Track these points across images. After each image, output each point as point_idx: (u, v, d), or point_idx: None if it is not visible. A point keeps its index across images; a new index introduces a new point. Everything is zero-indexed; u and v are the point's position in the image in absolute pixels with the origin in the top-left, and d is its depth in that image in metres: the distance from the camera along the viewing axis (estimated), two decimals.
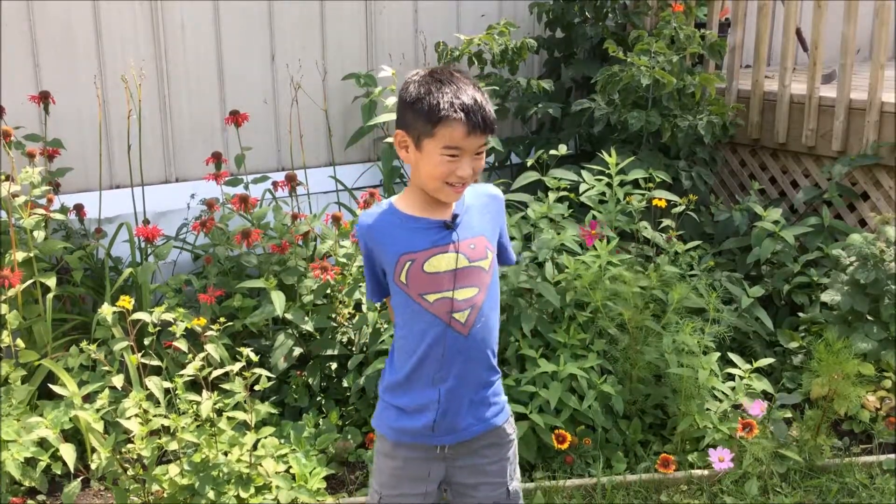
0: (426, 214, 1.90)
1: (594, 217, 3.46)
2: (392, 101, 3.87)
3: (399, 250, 1.89)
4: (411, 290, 1.89)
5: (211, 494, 2.62)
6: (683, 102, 4.23)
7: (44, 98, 3.59)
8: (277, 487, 2.75)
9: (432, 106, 1.78)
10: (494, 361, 1.98)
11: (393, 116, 3.88)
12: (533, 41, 4.31)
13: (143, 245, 3.59)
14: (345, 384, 3.25)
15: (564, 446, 2.91)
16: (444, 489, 2.02)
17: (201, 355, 2.84)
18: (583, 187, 3.56)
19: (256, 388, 2.79)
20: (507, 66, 4.29)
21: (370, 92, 4.24)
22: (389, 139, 4.06)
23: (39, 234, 3.22)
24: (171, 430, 2.73)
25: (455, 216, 1.90)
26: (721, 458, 2.84)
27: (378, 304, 3.26)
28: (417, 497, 1.99)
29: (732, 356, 3.27)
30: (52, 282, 3.17)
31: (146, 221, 3.68)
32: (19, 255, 3.15)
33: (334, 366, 3.36)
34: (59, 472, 2.91)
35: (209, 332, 2.94)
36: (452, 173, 1.82)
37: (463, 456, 1.97)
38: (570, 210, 3.50)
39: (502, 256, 2.04)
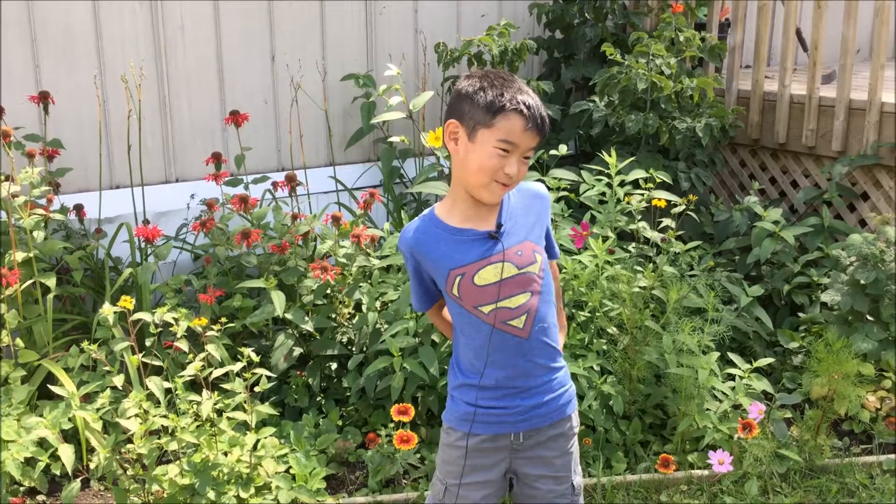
0: (470, 224, 1.91)
1: (592, 217, 3.46)
2: (396, 100, 3.88)
3: (448, 265, 1.91)
4: (465, 302, 1.92)
5: (211, 494, 2.62)
6: (682, 104, 4.23)
7: (43, 98, 3.59)
8: (277, 487, 2.75)
9: (495, 97, 1.81)
10: (558, 352, 2.02)
11: (394, 116, 3.92)
12: (532, 42, 4.31)
13: (143, 245, 3.59)
14: (345, 384, 3.25)
15: None
16: (510, 478, 2.04)
17: (202, 355, 2.85)
18: (583, 187, 3.56)
19: (257, 388, 2.80)
20: (507, 67, 4.28)
21: (369, 93, 4.24)
22: (391, 139, 4.06)
23: (39, 235, 3.22)
24: (171, 431, 2.73)
25: (499, 225, 1.91)
26: (721, 461, 2.83)
27: (378, 305, 3.26)
28: (484, 486, 2.01)
29: (732, 356, 3.26)
30: (51, 282, 3.17)
31: (146, 221, 3.68)
32: (19, 256, 3.15)
33: (334, 366, 3.36)
34: (58, 472, 2.91)
35: (209, 333, 2.94)
36: (501, 169, 1.83)
37: (530, 447, 1.99)
38: (570, 210, 3.50)
39: (548, 252, 2.05)
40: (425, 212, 2.00)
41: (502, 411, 1.96)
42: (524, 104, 1.82)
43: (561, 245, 3.29)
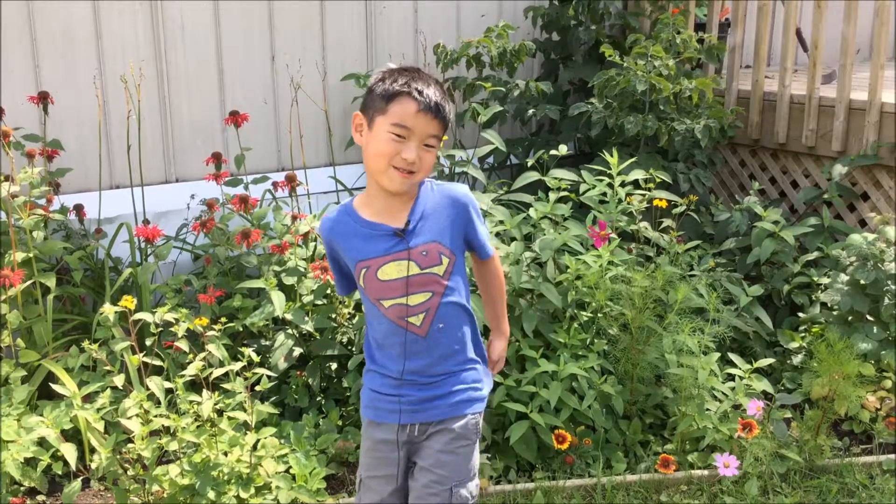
0: (382, 219, 1.95)
1: (595, 218, 3.45)
2: None
3: (356, 257, 1.96)
4: (369, 294, 1.97)
5: (211, 494, 2.62)
6: (681, 106, 4.23)
7: (42, 98, 3.59)
8: (277, 487, 2.75)
9: (389, 85, 1.86)
10: (467, 353, 2.03)
11: None
12: (531, 44, 4.31)
13: (142, 245, 3.58)
14: (345, 384, 3.25)
15: (564, 446, 2.91)
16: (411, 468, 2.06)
17: (202, 355, 2.85)
18: (583, 188, 3.56)
19: (257, 388, 2.80)
20: (506, 69, 4.28)
21: None
22: None
23: (39, 235, 3.22)
24: (172, 431, 2.73)
25: (408, 222, 1.93)
26: (727, 465, 2.83)
27: None
28: (388, 480, 2.04)
29: (732, 356, 3.27)
30: (51, 282, 3.17)
31: (146, 221, 3.68)
32: (19, 256, 3.15)
33: (334, 366, 3.36)
34: (59, 472, 2.91)
35: (210, 333, 2.94)
36: (398, 154, 1.85)
37: (423, 440, 2.02)
38: (570, 210, 3.50)
39: (478, 253, 2.08)
40: (345, 201, 2.05)
41: (396, 398, 1.99)
42: (416, 89, 1.85)
43: (566, 246, 3.29)
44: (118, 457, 2.77)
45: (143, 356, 2.90)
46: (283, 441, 2.97)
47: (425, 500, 2.00)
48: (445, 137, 2.83)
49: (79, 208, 3.66)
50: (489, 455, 2.97)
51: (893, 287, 3.32)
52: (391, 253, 1.92)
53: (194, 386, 2.90)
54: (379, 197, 1.95)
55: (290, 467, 2.88)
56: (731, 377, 3.22)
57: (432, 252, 1.93)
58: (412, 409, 1.99)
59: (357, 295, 3.28)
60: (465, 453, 2.03)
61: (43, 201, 3.39)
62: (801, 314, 3.68)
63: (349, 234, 1.97)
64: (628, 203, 3.54)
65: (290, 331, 3.30)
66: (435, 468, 2.00)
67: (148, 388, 2.83)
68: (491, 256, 2.12)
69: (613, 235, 3.37)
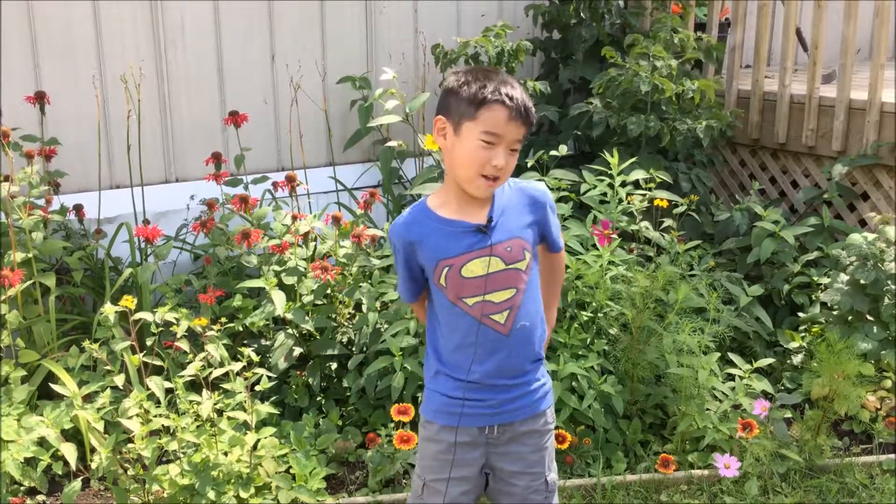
0: (461, 216, 1.92)
1: (595, 218, 3.45)
2: (392, 104, 3.88)
3: (437, 256, 1.92)
4: (450, 293, 1.93)
5: (211, 494, 2.62)
6: (682, 106, 4.23)
7: (39, 98, 3.59)
8: (277, 487, 2.75)
9: (478, 90, 1.84)
10: (539, 350, 2.02)
11: (390, 120, 3.92)
12: (528, 43, 4.31)
13: (142, 245, 3.58)
14: (345, 384, 3.25)
15: (564, 446, 2.91)
16: (486, 474, 2.05)
17: (202, 355, 2.85)
18: (584, 188, 3.56)
19: (257, 388, 2.80)
20: (504, 69, 4.28)
21: (366, 96, 4.24)
22: (390, 143, 4.06)
23: (38, 235, 3.22)
24: (172, 431, 2.73)
25: (490, 219, 1.91)
26: (727, 465, 2.83)
27: (378, 305, 3.26)
28: (461, 483, 2.01)
29: (732, 356, 3.27)
30: (51, 282, 3.17)
31: (146, 221, 3.68)
32: (18, 256, 3.15)
33: (334, 366, 3.36)
34: (59, 472, 2.91)
35: (210, 332, 2.94)
36: (488, 162, 1.84)
37: (505, 442, 2.00)
38: (571, 210, 3.49)
39: (551, 245, 2.07)
40: (416, 203, 2.01)
41: (478, 403, 1.97)
42: (507, 95, 1.83)
43: (567, 246, 3.29)
44: (118, 457, 2.77)
45: (144, 356, 2.90)
46: (283, 441, 2.97)
47: (529, 501, 2.02)
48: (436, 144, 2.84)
49: (78, 208, 3.66)
50: None
51: (893, 287, 3.32)
52: (475, 249, 1.90)
53: (194, 386, 2.90)
54: (457, 196, 1.93)
55: (290, 467, 2.88)
56: (731, 377, 3.22)
57: (516, 247, 1.92)
58: (494, 413, 1.97)
59: (357, 295, 3.30)
60: (549, 445, 2.06)
61: (42, 202, 3.39)
62: (801, 314, 3.68)
63: (429, 232, 1.94)
64: (629, 203, 3.54)
65: (290, 330, 3.30)
66: (530, 469, 2.02)
67: (148, 388, 2.83)
68: (562, 249, 2.12)
69: (614, 235, 3.37)
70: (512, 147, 1.87)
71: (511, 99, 1.83)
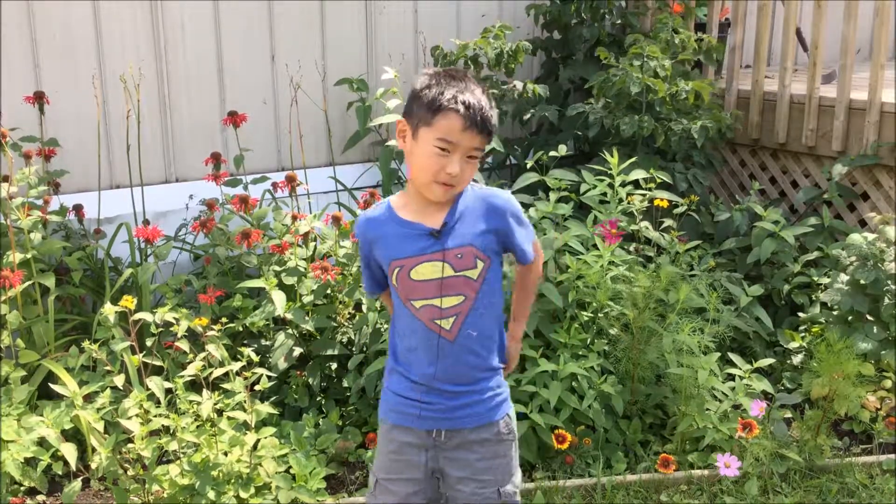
0: (419, 219, 1.93)
1: (595, 218, 3.45)
2: (394, 103, 3.88)
3: (391, 255, 1.94)
4: (401, 293, 1.95)
5: (211, 494, 2.62)
6: (678, 106, 4.23)
7: (38, 98, 3.59)
8: (277, 487, 2.75)
9: (436, 96, 1.83)
10: (492, 361, 2.00)
11: (391, 118, 3.91)
12: (528, 44, 4.31)
13: (142, 245, 3.58)
14: (345, 384, 3.25)
15: (564, 446, 2.91)
16: (437, 478, 2.04)
17: (202, 355, 2.85)
18: (584, 187, 3.56)
19: (257, 388, 2.79)
20: (503, 70, 4.28)
21: (364, 98, 4.23)
22: (389, 143, 4.06)
23: (36, 236, 3.22)
24: (172, 431, 2.73)
25: (445, 224, 1.91)
26: (728, 465, 2.82)
27: (378, 305, 3.26)
28: (410, 483, 2.02)
29: (732, 356, 3.27)
30: (50, 282, 3.17)
31: (146, 222, 3.68)
32: (17, 257, 3.15)
33: (334, 366, 3.36)
34: (59, 472, 2.91)
35: (210, 333, 2.94)
36: (442, 169, 1.84)
37: (453, 448, 1.99)
38: (571, 210, 3.49)
39: (518, 258, 2.04)
40: (383, 200, 2.02)
41: (426, 406, 1.97)
42: (463, 103, 1.81)
43: (567, 246, 3.29)
44: (118, 457, 2.77)
45: (143, 356, 2.90)
46: (283, 441, 2.97)
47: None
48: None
49: (78, 208, 3.66)
50: None
51: (893, 287, 3.32)
52: (426, 253, 1.91)
53: (194, 386, 2.90)
54: (418, 198, 1.94)
55: (290, 467, 2.88)
56: (731, 377, 3.22)
57: (467, 255, 1.91)
58: (442, 417, 1.97)
59: (357, 295, 3.30)
60: (505, 456, 2.03)
61: (41, 202, 3.38)
62: (801, 314, 3.68)
63: (386, 232, 1.95)
64: (629, 203, 3.54)
65: (290, 331, 3.30)
66: (477, 476, 1.99)
67: (148, 388, 2.83)
68: (531, 261, 2.07)
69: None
70: (470, 155, 1.86)
71: (468, 108, 1.81)
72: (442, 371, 1.95)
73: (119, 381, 2.84)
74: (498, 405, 2.01)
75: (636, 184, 3.65)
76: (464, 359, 1.95)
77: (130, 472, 2.77)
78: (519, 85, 4.27)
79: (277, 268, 3.40)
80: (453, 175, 1.84)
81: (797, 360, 3.54)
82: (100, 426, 2.81)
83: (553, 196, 3.44)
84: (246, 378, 2.79)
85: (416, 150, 1.87)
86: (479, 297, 1.93)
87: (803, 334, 3.61)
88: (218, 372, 2.82)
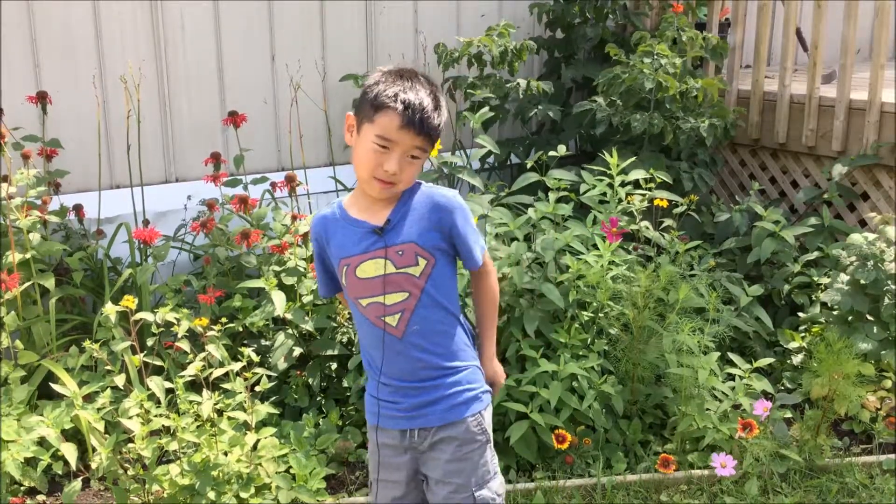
0: (365, 217, 1.95)
1: (595, 218, 3.45)
2: None
3: (339, 254, 1.96)
4: (349, 292, 1.97)
5: (211, 494, 2.62)
6: (685, 105, 4.23)
7: (41, 98, 3.59)
8: (277, 487, 2.75)
9: (379, 93, 1.85)
10: (454, 357, 1.99)
11: None
12: (532, 42, 4.31)
13: (142, 246, 3.58)
14: (345, 384, 3.25)
15: (564, 446, 2.91)
16: (422, 480, 2.05)
17: (202, 355, 2.85)
18: (583, 188, 3.56)
19: (258, 388, 2.80)
20: (507, 68, 4.29)
21: None
22: None
23: (35, 236, 3.21)
24: (172, 431, 2.73)
25: (388, 221, 1.92)
26: (724, 464, 2.83)
27: None
28: (396, 486, 2.04)
29: (732, 356, 3.27)
30: (50, 283, 3.17)
31: (146, 222, 3.68)
32: (17, 257, 3.15)
33: (334, 366, 3.36)
34: (59, 472, 2.91)
35: (210, 333, 2.94)
36: (380, 166, 1.85)
37: (428, 448, 2.00)
38: (571, 211, 3.49)
39: (464, 262, 2.02)
40: (336, 199, 2.04)
41: (391, 405, 1.99)
42: (403, 102, 1.83)
43: (567, 246, 3.29)
44: (118, 457, 2.77)
45: (144, 356, 2.91)
46: (283, 441, 2.97)
47: None
48: (439, 146, 2.82)
49: (78, 208, 3.66)
50: None
51: (893, 287, 3.32)
52: (370, 251, 1.92)
53: (194, 386, 2.90)
54: (365, 195, 1.95)
55: (290, 467, 2.88)
56: (731, 377, 3.22)
57: (408, 252, 1.91)
58: (408, 416, 1.98)
59: None
60: (474, 457, 2.00)
61: (41, 202, 3.38)
62: (801, 314, 3.68)
63: (336, 230, 1.98)
64: (629, 203, 3.54)
65: (290, 331, 3.30)
66: (449, 478, 1.98)
67: (148, 388, 2.83)
68: (479, 267, 2.04)
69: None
70: (411, 154, 1.86)
71: (407, 107, 1.82)
72: (395, 368, 1.96)
73: (119, 381, 2.84)
74: (465, 402, 1.98)
75: (636, 184, 3.65)
76: (414, 355, 1.95)
77: (130, 472, 2.77)
78: (523, 82, 4.27)
79: (277, 268, 3.40)
80: (390, 172, 1.85)
81: (797, 360, 3.54)
82: (100, 426, 2.81)
83: (553, 196, 3.44)
84: (246, 378, 2.79)
85: (359, 145, 1.89)
86: (424, 294, 1.93)
87: (803, 334, 3.61)
88: (218, 372, 2.82)
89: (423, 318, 1.94)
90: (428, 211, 1.94)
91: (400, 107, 1.82)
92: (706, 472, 2.97)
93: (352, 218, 1.96)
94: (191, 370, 2.75)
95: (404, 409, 1.98)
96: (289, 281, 3.31)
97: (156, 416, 2.74)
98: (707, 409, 3.08)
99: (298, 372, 3.30)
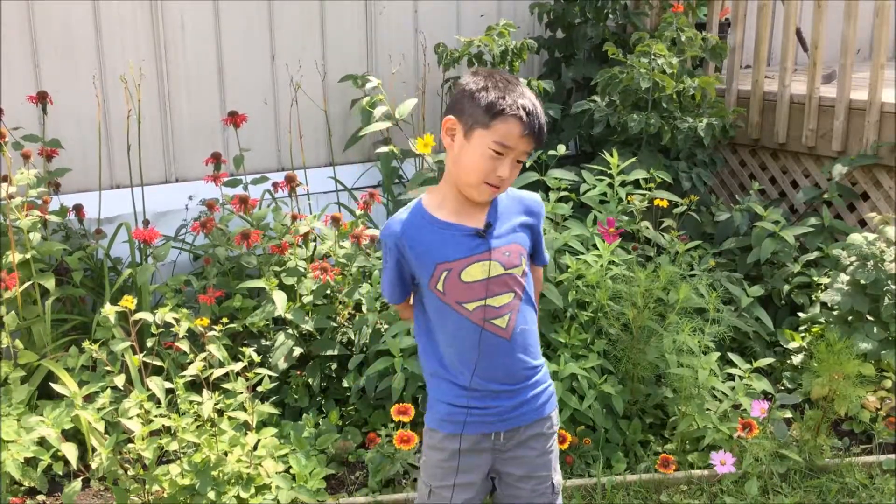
0: (459, 220, 1.92)
1: (595, 218, 3.45)
2: (382, 110, 3.89)
3: (435, 259, 1.91)
4: (448, 298, 1.92)
5: (211, 494, 2.62)
6: (683, 104, 4.23)
7: (41, 98, 3.59)
8: (277, 487, 2.75)
9: (495, 99, 1.83)
10: (539, 354, 2.03)
11: (379, 127, 3.91)
12: (533, 42, 4.31)
13: (142, 246, 3.58)
14: (345, 384, 3.25)
15: (564, 446, 2.91)
16: (492, 478, 2.05)
17: (202, 356, 2.85)
18: (584, 187, 3.56)
19: (259, 388, 2.80)
20: (507, 67, 4.29)
21: (367, 93, 4.23)
22: (382, 148, 4.06)
23: (35, 236, 3.21)
24: (172, 431, 2.73)
25: (488, 224, 1.91)
26: (723, 462, 2.83)
27: (378, 305, 3.26)
28: (470, 488, 2.01)
29: (732, 356, 3.27)
30: (50, 283, 3.17)
31: (146, 222, 3.68)
32: (17, 257, 3.15)
33: (334, 366, 3.36)
34: (59, 472, 2.91)
35: (210, 333, 2.94)
36: (493, 171, 1.85)
37: (512, 448, 2.00)
38: (571, 210, 3.49)
39: (537, 258, 2.08)
40: (411, 203, 1.99)
41: (483, 411, 1.96)
42: (524, 109, 1.83)
43: (567, 246, 3.29)
44: (118, 457, 2.77)
45: (144, 356, 2.91)
46: (283, 441, 2.97)
47: (535, 502, 2.02)
48: (433, 143, 2.85)
49: (78, 208, 3.65)
50: None
51: (893, 287, 3.32)
52: (475, 254, 1.90)
53: (195, 386, 2.91)
54: (456, 200, 1.93)
55: (291, 467, 2.88)
56: (731, 377, 3.22)
57: (514, 252, 1.93)
58: (498, 420, 1.97)
59: (356, 295, 3.30)
60: (555, 448, 2.07)
61: (41, 202, 3.38)
62: (801, 314, 3.69)
63: (425, 235, 1.92)
64: (629, 203, 3.54)
65: (290, 331, 3.30)
66: (537, 472, 2.02)
67: (148, 389, 2.83)
68: (546, 263, 2.14)
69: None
70: (518, 158, 1.88)
71: (528, 115, 1.83)
72: (497, 371, 1.94)
73: (119, 381, 2.84)
74: (549, 399, 2.04)
75: (636, 183, 3.65)
76: (518, 356, 1.96)
77: (131, 472, 2.77)
78: (523, 81, 4.27)
79: (277, 268, 3.40)
80: (503, 178, 1.86)
81: (797, 360, 3.55)
82: (100, 426, 2.81)
83: (553, 196, 3.44)
84: (247, 378, 2.79)
85: (468, 150, 1.86)
86: (525, 293, 1.97)
87: (803, 334, 3.61)
88: (218, 372, 2.82)
89: (525, 317, 1.96)
90: (520, 212, 1.97)
91: (522, 114, 1.82)
92: (706, 472, 2.97)
93: (443, 222, 1.92)
94: (191, 370, 2.75)
95: (498, 413, 1.96)
96: (289, 281, 3.31)
97: (156, 416, 2.74)
98: (707, 409, 3.08)
99: (298, 372, 3.30)
